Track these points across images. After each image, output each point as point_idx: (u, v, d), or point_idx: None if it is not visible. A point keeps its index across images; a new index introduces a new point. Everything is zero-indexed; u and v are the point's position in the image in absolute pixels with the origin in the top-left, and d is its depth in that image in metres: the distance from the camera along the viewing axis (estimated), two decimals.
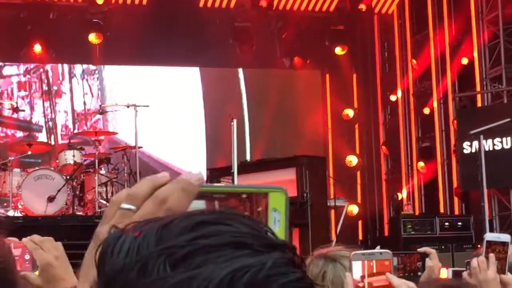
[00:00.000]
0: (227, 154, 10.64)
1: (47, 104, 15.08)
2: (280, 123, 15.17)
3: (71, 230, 9.76)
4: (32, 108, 14.97)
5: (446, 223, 12.08)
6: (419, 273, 3.70)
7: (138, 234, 0.98)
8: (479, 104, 13.33)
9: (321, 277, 2.91)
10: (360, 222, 15.24)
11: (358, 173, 15.63)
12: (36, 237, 2.42)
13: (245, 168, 10.97)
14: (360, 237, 15.15)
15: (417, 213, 13.99)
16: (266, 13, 14.93)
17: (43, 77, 15.17)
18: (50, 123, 15.07)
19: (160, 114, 14.42)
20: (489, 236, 3.24)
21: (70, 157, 11.44)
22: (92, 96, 15.32)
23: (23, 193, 10.92)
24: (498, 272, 3.14)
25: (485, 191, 10.94)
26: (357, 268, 2.49)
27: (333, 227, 12.87)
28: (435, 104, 14.25)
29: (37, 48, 14.04)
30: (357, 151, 15.69)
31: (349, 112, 15.64)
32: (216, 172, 11.59)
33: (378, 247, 3.03)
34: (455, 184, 13.68)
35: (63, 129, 15.13)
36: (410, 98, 14.95)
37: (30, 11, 14.09)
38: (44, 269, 2.38)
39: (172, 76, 15.52)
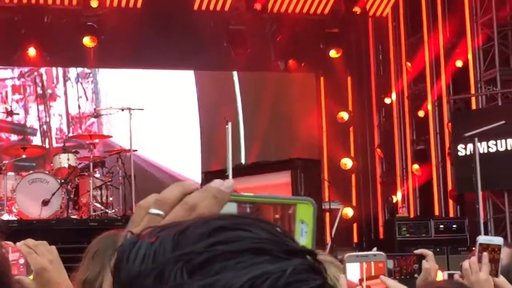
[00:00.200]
0: (222, 157, 10.64)
1: (41, 107, 15.05)
2: (275, 126, 15.16)
3: (66, 234, 9.77)
4: (26, 112, 14.95)
5: (441, 226, 12.09)
6: (416, 275, 3.69)
7: (155, 240, 0.96)
8: (473, 106, 13.34)
9: None
10: (355, 225, 15.24)
11: (353, 176, 15.64)
12: (30, 241, 2.42)
13: (240, 171, 10.97)
14: (355, 240, 15.15)
15: (412, 215, 14.00)
16: (261, 16, 14.94)
17: (38, 80, 15.14)
18: (45, 127, 15.04)
19: (155, 117, 14.41)
20: (482, 239, 3.24)
21: (64, 160, 11.42)
22: (87, 99, 15.30)
23: (18, 196, 10.91)
24: (491, 275, 3.13)
25: (480, 193, 10.94)
26: (351, 270, 2.49)
27: (328, 230, 12.87)
28: (429, 106, 14.26)
29: (32, 51, 14.03)
30: (352, 154, 15.70)
31: (344, 115, 15.65)
32: (211, 175, 11.57)
33: (375, 248, 3.03)
34: (450, 187, 13.69)
35: (58, 132, 15.10)
36: (405, 100, 14.97)
37: (24, 14, 14.07)
38: (38, 273, 2.37)
39: (166, 79, 15.51)
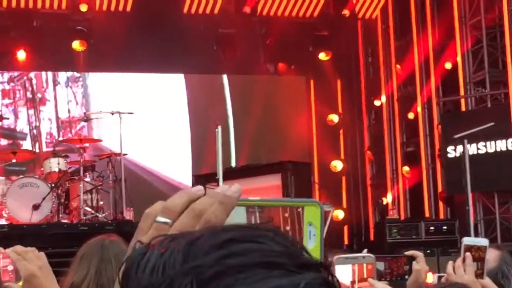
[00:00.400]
0: (213, 160, 10.62)
1: (31, 111, 15.02)
2: (265, 128, 15.17)
3: (57, 238, 9.74)
4: (16, 116, 14.91)
5: (431, 228, 12.11)
6: (406, 277, 3.69)
7: (164, 251, 0.93)
8: (463, 108, 13.37)
9: None
10: (345, 227, 15.25)
11: (343, 178, 15.65)
12: (19, 248, 2.41)
13: (231, 174, 10.96)
14: (346, 242, 15.16)
15: (402, 217, 14.02)
16: (250, 19, 14.93)
17: (27, 84, 15.11)
18: (35, 131, 15.01)
19: (145, 121, 14.40)
20: (467, 240, 3.24)
21: (55, 164, 11.40)
22: (77, 103, 15.28)
23: (8, 201, 10.87)
24: (476, 277, 3.14)
25: (470, 195, 10.99)
26: (340, 272, 2.50)
27: None
28: (419, 109, 14.29)
29: (21, 55, 13.99)
30: (342, 156, 15.71)
31: (334, 118, 15.67)
32: (202, 179, 11.56)
33: (365, 250, 3.03)
34: (440, 189, 13.71)
35: (48, 136, 15.08)
36: (395, 103, 15.00)
37: (13, 18, 14.03)
38: (27, 280, 2.36)
39: (156, 83, 15.50)
